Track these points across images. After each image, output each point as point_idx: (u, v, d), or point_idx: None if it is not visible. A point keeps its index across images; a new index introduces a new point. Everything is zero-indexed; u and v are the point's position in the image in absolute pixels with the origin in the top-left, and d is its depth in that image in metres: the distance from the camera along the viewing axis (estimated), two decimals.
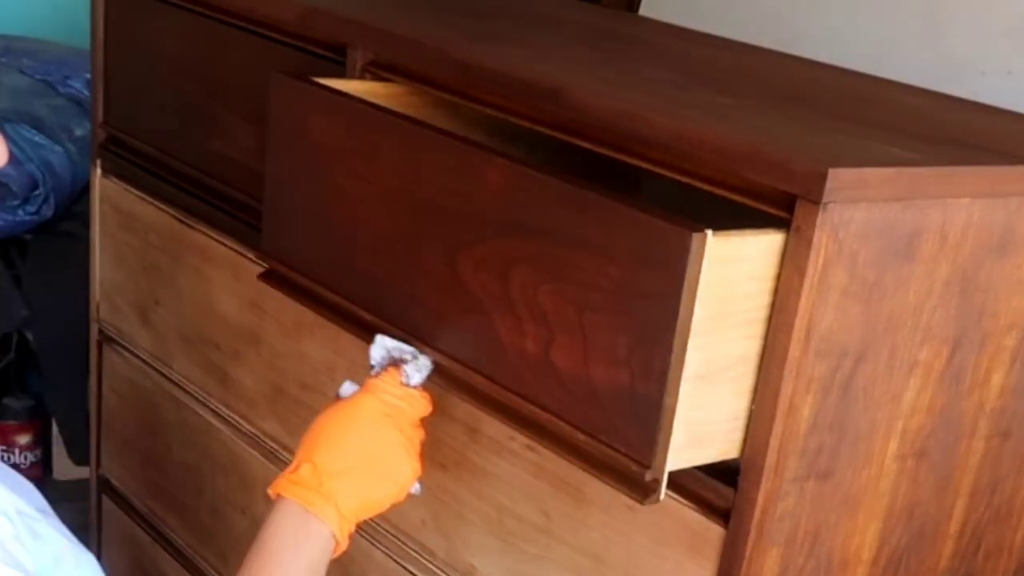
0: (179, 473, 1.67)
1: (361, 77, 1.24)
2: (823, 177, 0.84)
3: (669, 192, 1.02)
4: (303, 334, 1.38)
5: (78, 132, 2.46)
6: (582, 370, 0.92)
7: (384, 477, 1.07)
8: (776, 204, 0.88)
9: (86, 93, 2.48)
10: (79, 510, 1.82)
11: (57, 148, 2.42)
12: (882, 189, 0.88)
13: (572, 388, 0.93)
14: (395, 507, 1.10)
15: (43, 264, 2.48)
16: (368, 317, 1.12)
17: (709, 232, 0.84)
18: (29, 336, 2.56)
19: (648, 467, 0.89)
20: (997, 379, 1.04)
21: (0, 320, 2.47)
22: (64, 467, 2.66)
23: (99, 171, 1.74)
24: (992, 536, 1.12)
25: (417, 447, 1.09)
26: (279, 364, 1.43)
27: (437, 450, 1.21)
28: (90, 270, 1.80)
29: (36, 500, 1.04)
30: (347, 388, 1.11)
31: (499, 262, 0.98)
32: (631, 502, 0.96)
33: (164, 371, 1.67)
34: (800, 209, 0.86)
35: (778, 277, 0.88)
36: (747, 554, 0.94)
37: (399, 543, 1.29)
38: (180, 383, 1.64)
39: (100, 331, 1.81)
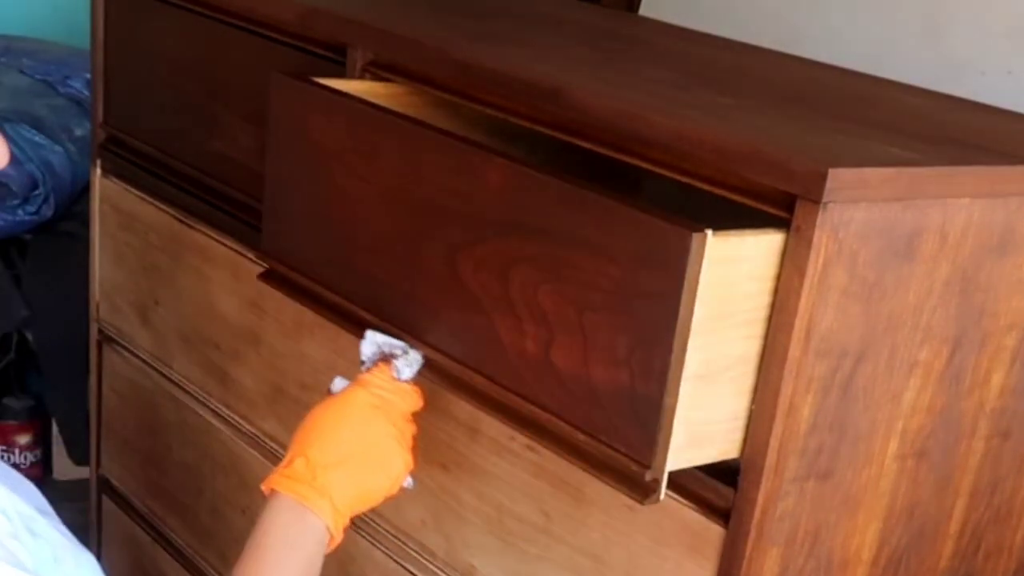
0: (179, 473, 1.67)
1: (361, 77, 1.24)
2: (823, 177, 0.84)
3: (669, 192, 1.02)
4: (303, 334, 1.38)
5: (78, 132, 2.46)
6: (582, 370, 0.92)
7: (377, 469, 1.08)
8: (776, 204, 0.88)
9: (86, 93, 2.48)
10: (79, 510, 1.82)
11: (57, 148, 2.42)
12: (882, 189, 0.88)
13: (572, 388, 0.93)
14: (389, 500, 1.11)
15: (43, 264, 2.48)
16: (368, 317, 1.12)
17: (709, 232, 0.84)
18: (29, 336, 2.56)
19: (648, 467, 0.89)
20: (997, 379, 1.04)
21: (0, 320, 2.47)
22: (64, 467, 2.66)
23: (99, 171, 1.74)
24: (992, 536, 1.12)
25: (409, 440, 1.10)
26: (279, 364, 1.43)
27: (437, 450, 1.21)
28: (90, 270, 1.80)
29: (36, 500, 1.04)
30: (338, 384, 1.12)
31: (499, 262, 0.98)
32: (631, 502, 0.96)
33: (164, 371, 1.67)
34: (800, 209, 0.86)
35: (778, 277, 0.88)
36: (747, 554, 0.94)
37: (399, 543, 1.29)
38: (180, 383, 1.64)
39: (100, 331, 1.81)
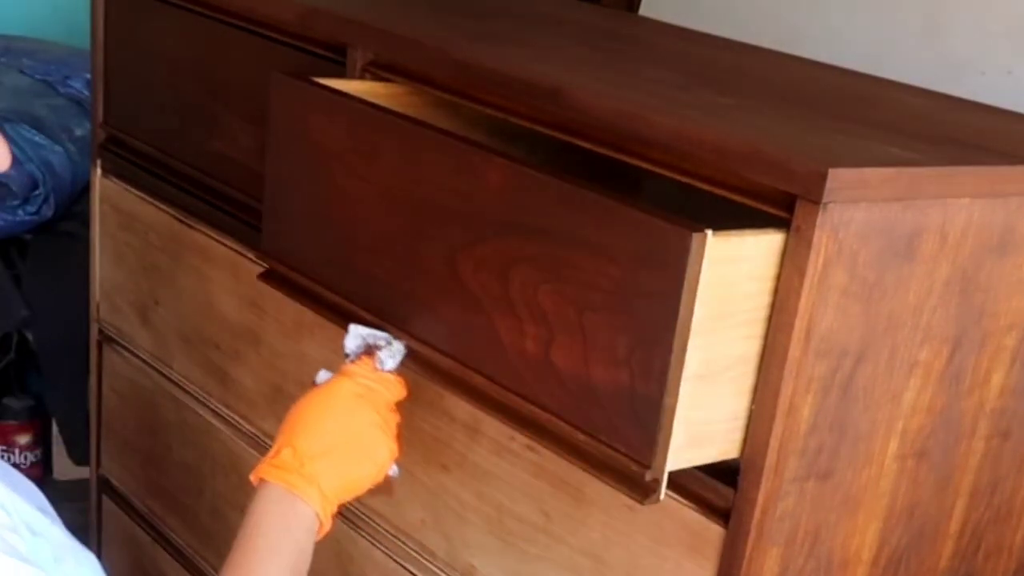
0: (179, 473, 1.67)
1: (361, 77, 1.24)
2: (823, 177, 0.84)
3: (669, 192, 1.02)
4: (303, 334, 1.38)
5: (78, 132, 2.46)
6: (582, 370, 0.92)
7: (363, 457, 1.09)
8: (776, 204, 0.88)
9: (86, 93, 2.48)
10: (79, 510, 1.82)
11: (57, 148, 2.42)
12: (882, 189, 0.88)
13: (572, 388, 0.94)
14: (379, 489, 1.12)
15: (43, 264, 2.48)
16: (368, 317, 1.12)
17: (709, 232, 0.84)
18: (29, 336, 2.56)
19: (648, 467, 0.89)
20: (997, 379, 1.04)
21: (0, 320, 2.47)
22: (64, 467, 2.66)
23: (99, 171, 1.74)
24: (992, 536, 1.12)
25: (393, 428, 1.12)
26: (279, 364, 1.43)
27: (437, 450, 1.21)
28: (90, 270, 1.80)
29: (37, 500, 1.04)
30: (322, 375, 1.14)
31: (499, 262, 0.98)
32: (631, 502, 0.96)
33: (164, 371, 1.67)
34: (800, 209, 0.86)
35: (778, 277, 0.88)
36: (747, 554, 0.94)
37: (399, 543, 1.29)
38: (180, 383, 1.64)
39: (100, 331, 1.81)
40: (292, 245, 1.20)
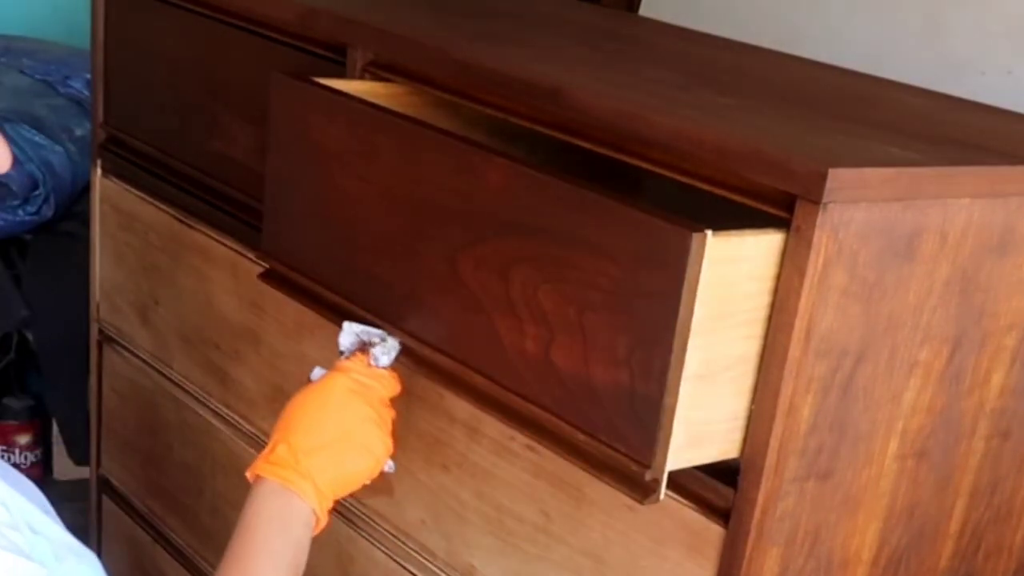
0: (179, 473, 1.67)
1: (361, 77, 1.24)
2: (823, 177, 0.84)
3: (669, 192, 1.02)
4: (303, 334, 1.38)
5: (78, 132, 2.46)
6: (582, 370, 0.92)
7: (357, 452, 1.10)
8: (776, 204, 0.88)
9: (86, 93, 2.48)
10: (79, 510, 1.82)
11: (57, 148, 2.42)
12: (882, 189, 0.88)
13: (572, 388, 0.94)
14: (373, 485, 1.13)
15: (43, 264, 2.48)
16: (368, 317, 1.13)
17: (709, 232, 0.84)
18: (29, 336, 2.56)
19: (648, 467, 0.89)
20: (997, 379, 1.04)
21: (0, 320, 2.47)
22: (64, 467, 2.66)
23: (99, 171, 1.74)
24: (992, 536, 1.12)
25: (388, 423, 1.12)
26: (279, 364, 1.43)
27: (437, 450, 1.21)
28: (90, 270, 1.80)
29: (37, 499, 1.04)
30: (317, 372, 1.15)
31: (499, 262, 0.98)
32: (631, 502, 0.96)
33: (164, 371, 1.67)
34: (800, 209, 0.86)
35: (778, 277, 0.88)
36: (747, 554, 0.94)
37: (399, 543, 1.29)
38: (180, 383, 1.64)
39: (100, 331, 1.81)
40: (292, 245, 1.20)
